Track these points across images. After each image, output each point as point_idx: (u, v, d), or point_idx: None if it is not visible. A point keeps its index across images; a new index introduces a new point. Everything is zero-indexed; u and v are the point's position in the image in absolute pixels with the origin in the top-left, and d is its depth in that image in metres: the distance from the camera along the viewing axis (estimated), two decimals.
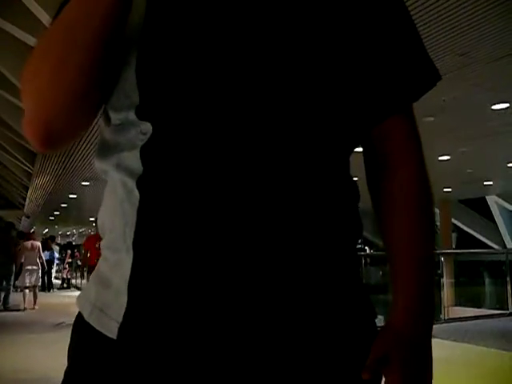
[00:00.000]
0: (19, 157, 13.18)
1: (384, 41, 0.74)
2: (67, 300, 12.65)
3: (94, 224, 31.19)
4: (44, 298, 13.28)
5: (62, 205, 19.73)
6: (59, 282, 18.17)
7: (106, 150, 0.75)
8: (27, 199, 18.93)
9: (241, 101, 0.66)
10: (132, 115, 0.70)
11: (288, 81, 0.67)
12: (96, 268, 0.78)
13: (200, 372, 0.65)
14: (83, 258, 9.72)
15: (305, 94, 0.67)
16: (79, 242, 45.72)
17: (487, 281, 12.96)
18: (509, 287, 8.91)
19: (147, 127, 0.69)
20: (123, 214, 0.71)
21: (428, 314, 0.76)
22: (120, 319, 0.68)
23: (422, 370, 0.73)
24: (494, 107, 7.35)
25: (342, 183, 0.73)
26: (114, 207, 0.73)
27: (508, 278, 8.97)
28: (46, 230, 36.36)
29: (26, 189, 17.06)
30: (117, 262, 0.72)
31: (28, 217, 24.92)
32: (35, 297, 11.18)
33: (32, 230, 23.98)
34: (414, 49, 0.78)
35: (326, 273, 0.69)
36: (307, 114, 0.68)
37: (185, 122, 0.67)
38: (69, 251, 18.67)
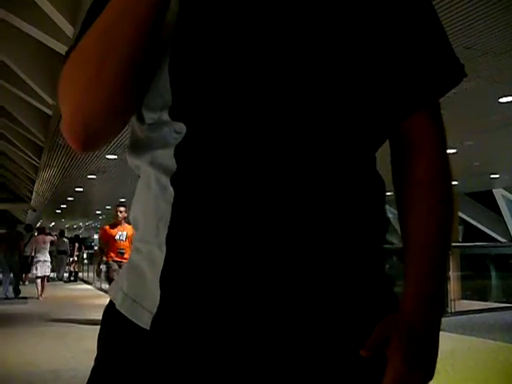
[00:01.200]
0: (26, 150, 13.25)
1: (411, 37, 0.75)
2: (75, 293, 12.72)
3: (100, 217, 31.31)
4: (52, 290, 13.36)
5: (69, 198, 19.80)
6: (66, 275, 18.23)
7: (138, 147, 0.76)
8: (34, 193, 19.02)
9: (271, 100, 0.67)
10: (165, 115, 0.70)
11: (315, 78, 0.68)
12: (129, 259, 0.80)
13: (229, 366, 0.67)
14: (98, 253, 8.86)
15: (331, 92, 0.68)
16: (86, 235, 45.99)
17: (494, 274, 12.93)
18: None
19: (181, 126, 0.70)
20: (157, 209, 0.72)
21: (438, 303, 0.77)
22: (154, 310, 0.70)
23: (425, 358, 0.73)
24: (502, 100, 7.32)
25: (368, 178, 0.74)
26: (148, 202, 0.74)
27: None
28: (53, 224, 36.53)
29: (33, 182, 17.14)
30: (149, 255, 0.73)
31: (34, 210, 25.04)
32: (43, 287, 11.93)
33: (39, 224, 24.02)
34: (440, 45, 0.78)
35: (350, 268, 0.71)
36: (334, 113, 0.69)
37: (217, 122, 0.68)
38: (76, 244, 18.71)
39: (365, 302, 0.72)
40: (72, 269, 18.10)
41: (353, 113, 0.70)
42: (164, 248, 0.71)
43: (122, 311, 0.74)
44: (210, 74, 0.68)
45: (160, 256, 0.71)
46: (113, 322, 0.77)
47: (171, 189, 0.70)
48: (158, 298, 0.70)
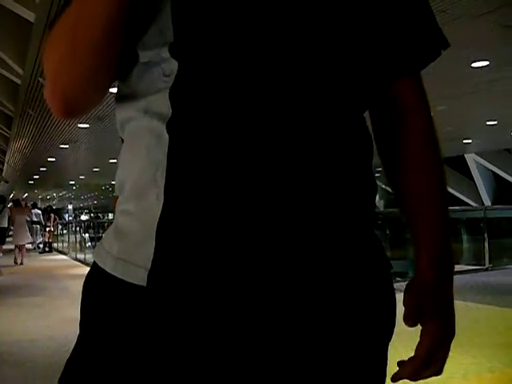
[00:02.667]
0: None
1: (400, 9, 0.79)
2: (51, 264, 12.65)
3: (73, 188, 31.00)
4: (27, 261, 13.29)
5: (41, 169, 19.55)
6: (41, 245, 18.11)
7: (129, 97, 0.75)
8: (5, 164, 18.71)
9: (268, 52, 0.67)
10: (165, 52, 0.70)
11: (310, 37, 0.69)
12: (114, 224, 0.79)
13: (231, 312, 0.67)
14: None
15: (323, 54, 0.70)
16: (60, 206, 45.54)
17: (465, 237, 13.19)
18: (486, 243, 9.10)
19: (171, 67, 0.69)
20: (152, 161, 0.72)
21: (451, 259, 0.81)
22: (148, 265, 0.69)
23: (451, 315, 0.79)
24: (474, 65, 7.36)
25: (358, 138, 0.75)
26: (141, 157, 0.73)
27: (485, 235, 9.15)
28: (26, 195, 36.08)
29: (4, 153, 16.84)
30: (142, 210, 0.73)
31: (7, 181, 24.69)
32: (22, 255, 13.43)
33: (12, 196, 23.70)
34: (426, 16, 0.83)
35: (342, 227, 0.72)
36: (326, 74, 0.70)
37: (216, 62, 0.68)
38: (52, 215, 18.52)
39: (357, 262, 0.73)
40: (47, 239, 17.98)
41: (346, 75, 0.72)
42: (162, 197, 0.70)
43: (116, 275, 0.73)
44: (212, 10, 0.68)
45: (157, 206, 0.70)
46: (101, 287, 0.76)
47: (167, 135, 0.70)
48: (152, 251, 0.69)
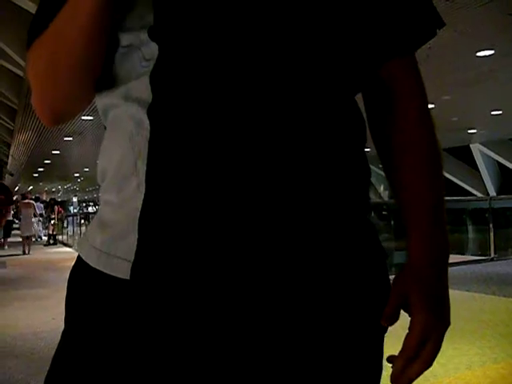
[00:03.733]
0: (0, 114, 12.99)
1: None
2: (56, 256, 12.68)
3: (78, 180, 31.03)
4: (32, 254, 13.34)
5: (46, 161, 19.57)
6: (45, 238, 18.15)
7: (109, 83, 0.74)
8: (10, 157, 18.75)
9: (253, 35, 0.64)
10: (144, 34, 0.69)
11: (292, 17, 0.65)
12: (97, 215, 0.78)
13: (216, 309, 0.63)
14: None
15: (310, 33, 0.66)
16: (65, 198, 45.59)
17: (470, 228, 13.16)
18: (491, 234, 9.07)
19: (151, 51, 0.68)
20: (133, 147, 0.71)
21: (445, 245, 0.77)
22: (131, 258, 0.67)
23: (443, 303, 0.75)
24: (479, 54, 7.32)
25: (349, 123, 0.71)
26: (122, 144, 0.72)
27: (490, 225, 9.13)
28: (31, 188, 36.15)
29: (9, 146, 16.86)
30: (123, 200, 0.72)
31: (12, 174, 24.73)
32: (29, 245, 14.17)
33: (17, 189, 23.77)
34: None
35: (335, 216, 0.68)
36: (315, 53, 0.66)
37: (196, 45, 0.65)
38: (56, 207, 18.57)
39: (351, 253, 0.70)
40: (51, 232, 18.02)
41: (335, 55, 0.68)
42: (143, 186, 0.68)
43: (99, 268, 0.72)
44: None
45: (139, 196, 0.68)
46: (84, 281, 0.74)
47: (147, 122, 0.68)
48: (135, 243, 0.67)
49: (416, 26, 0.77)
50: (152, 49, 0.68)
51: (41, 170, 23.20)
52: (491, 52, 7.24)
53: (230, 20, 0.64)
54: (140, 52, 0.70)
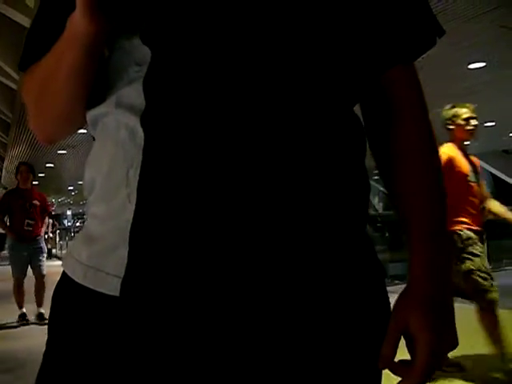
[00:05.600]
0: None
1: None
2: (51, 270, 12.55)
3: (72, 193, 30.86)
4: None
5: (40, 174, 19.48)
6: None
7: (100, 91, 0.73)
8: (3, 170, 18.66)
9: (246, 33, 0.62)
10: (136, 38, 0.68)
11: (289, 25, 0.63)
12: (83, 229, 0.76)
13: (209, 328, 0.61)
14: None
15: (308, 40, 0.64)
16: (59, 212, 45.29)
17: None
18: (485, 245, 9.07)
19: (143, 56, 0.66)
20: (125, 156, 0.69)
21: (449, 262, 0.73)
22: (121, 273, 0.64)
23: (448, 323, 0.70)
24: (471, 66, 7.36)
25: (348, 133, 0.69)
26: (113, 153, 0.70)
27: (484, 237, 9.13)
28: None
29: (2, 159, 16.80)
30: (112, 212, 0.70)
31: (5, 188, 24.61)
32: None
33: None
34: (420, 3, 0.77)
35: (333, 231, 0.65)
36: (314, 62, 0.64)
37: (189, 49, 0.62)
38: (50, 221, 18.37)
39: (349, 268, 0.67)
40: (48, 246, 17.84)
41: (334, 63, 0.66)
42: (134, 198, 0.65)
43: (85, 285, 0.69)
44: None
45: (129, 208, 0.66)
46: (70, 298, 0.72)
47: (141, 130, 0.65)
48: (125, 257, 0.64)
49: (417, 34, 0.75)
50: (144, 53, 0.66)
51: (35, 183, 23.08)
52: (483, 64, 7.28)
53: (226, 22, 0.62)
54: (131, 56, 0.69)
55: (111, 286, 0.67)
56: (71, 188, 27.65)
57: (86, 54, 0.68)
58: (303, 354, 0.64)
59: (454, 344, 0.71)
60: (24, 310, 5.91)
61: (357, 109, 0.76)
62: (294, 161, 0.62)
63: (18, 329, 5.68)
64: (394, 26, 0.73)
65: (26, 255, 5.84)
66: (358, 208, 0.70)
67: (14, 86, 8.99)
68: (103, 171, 0.72)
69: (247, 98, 0.60)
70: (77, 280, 0.72)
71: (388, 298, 0.72)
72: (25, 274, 5.94)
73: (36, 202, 6.01)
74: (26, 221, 5.82)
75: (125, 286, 0.64)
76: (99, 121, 0.75)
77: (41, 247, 6.12)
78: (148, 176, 0.64)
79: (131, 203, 0.66)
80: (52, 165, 16.52)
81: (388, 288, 0.73)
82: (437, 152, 0.77)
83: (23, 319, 5.84)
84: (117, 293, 0.65)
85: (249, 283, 0.61)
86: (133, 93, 0.68)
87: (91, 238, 0.72)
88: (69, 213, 46.02)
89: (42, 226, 6.10)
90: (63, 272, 0.75)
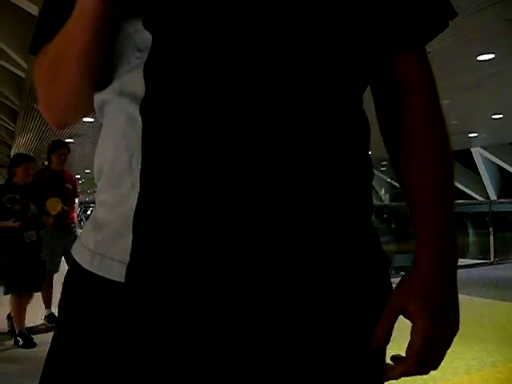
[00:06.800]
0: (0, 115, 12.98)
1: None
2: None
3: (80, 182, 30.92)
4: None
5: (46, 163, 19.53)
6: None
7: (104, 76, 0.74)
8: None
9: (249, 20, 0.61)
10: (138, 23, 0.68)
11: (294, 7, 0.62)
12: (92, 216, 0.77)
13: (214, 312, 0.62)
14: None
15: (313, 23, 0.63)
16: None
17: (471, 231, 13.14)
18: (491, 237, 9.06)
19: (145, 41, 0.67)
20: (127, 145, 0.70)
21: (454, 250, 0.72)
22: (126, 259, 0.66)
23: (449, 311, 0.70)
24: (479, 58, 7.31)
25: (355, 124, 0.69)
26: (116, 141, 0.72)
27: (491, 229, 9.11)
28: None
29: (10, 147, 16.85)
30: (118, 200, 0.71)
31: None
32: None
33: None
34: None
35: (335, 220, 0.65)
36: (320, 44, 0.63)
37: (191, 35, 0.62)
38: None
39: (353, 259, 0.67)
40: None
41: (341, 47, 0.65)
42: (138, 185, 0.66)
43: (92, 270, 0.71)
44: None
45: (133, 195, 0.67)
46: (78, 284, 0.73)
47: (140, 118, 0.66)
48: (130, 244, 0.65)
49: (429, 16, 0.73)
50: (145, 38, 0.67)
51: None
52: (492, 56, 7.23)
53: (228, 8, 0.61)
54: (133, 41, 0.69)
55: (117, 273, 0.68)
56: (78, 177, 27.72)
57: (94, 33, 0.69)
58: (307, 347, 0.64)
59: (454, 329, 0.69)
60: (52, 309, 5.04)
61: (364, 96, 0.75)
62: (297, 149, 0.62)
63: (49, 333, 5.51)
64: (405, 8, 0.71)
65: (62, 245, 4.94)
66: (361, 198, 0.70)
67: (21, 74, 9.00)
68: (108, 159, 0.74)
69: (248, 86, 0.60)
70: (83, 265, 0.73)
71: (392, 289, 0.72)
72: (59, 267, 5.07)
73: (68, 185, 5.32)
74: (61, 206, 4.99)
75: (130, 273, 0.65)
76: (104, 107, 0.76)
77: (76, 235, 5.07)
78: (149, 164, 0.65)
79: (136, 191, 0.67)
80: None
81: (393, 279, 0.73)
82: (446, 141, 0.75)
83: (53, 321, 4.89)
84: (122, 279, 0.66)
85: (252, 273, 0.61)
86: (135, 80, 0.68)
87: (98, 225, 0.73)
88: (76, 201, 46.14)
89: (74, 212, 5.45)
90: (73, 258, 0.77)
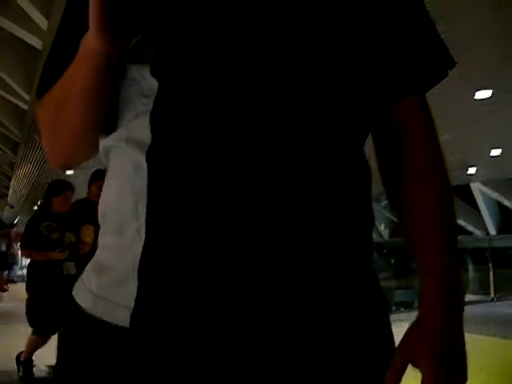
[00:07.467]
0: (1, 146, 13.04)
1: (402, 27, 0.73)
2: None
3: None
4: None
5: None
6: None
7: (110, 123, 0.74)
8: (10, 189, 18.75)
9: (253, 66, 0.63)
10: (146, 70, 0.68)
11: (297, 58, 0.64)
12: (94, 258, 0.76)
13: (219, 362, 0.62)
14: None
15: (321, 77, 0.65)
16: None
17: (470, 267, 13.10)
18: (491, 273, 9.02)
19: (151, 87, 0.67)
20: (133, 191, 0.69)
21: (460, 296, 0.72)
22: (131, 304, 0.65)
23: (458, 358, 0.70)
24: (477, 95, 7.38)
25: (356, 169, 0.70)
26: (122, 187, 0.71)
27: (490, 265, 9.08)
28: None
29: (9, 179, 16.89)
30: (122, 245, 0.70)
31: (12, 207, 24.70)
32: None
33: (16, 221, 23.76)
34: (430, 35, 0.77)
35: (336, 265, 0.66)
36: (319, 95, 0.65)
37: (197, 82, 0.63)
38: None
39: (353, 302, 0.68)
40: None
41: (342, 95, 0.67)
42: (143, 232, 0.66)
43: (94, 315, 0.69)
44: (196, 29, 0.65)
45: (138, 242, 0.66)
46: (79, 328, 0.72)
47: (145, 165, 0.66)
48: (135, 289, 0.65)
49: (429, 65, 0.75)
50: (152, 85, 0.67)
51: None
52: (490, 92, 7.30)
53: (235, 61, 0.63)
54: (140, 87, 0.69)
55: (120, 317, 0.67)
56: None
57: (99, 73, 0.69)
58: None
59: (463, 380, 0.70)
60: None
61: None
62: (300, 199, 0.63)
63: None
64: (406, 56, 0.73)
65: None
66: (362, 243, 0.70)
67: (23, 105, 9.07)
68: (112, 204, 0.74)
69: (253, 139, 0.62)
70: (85, 308, 0.72)
71: (392, 332, 0.72)
72: None
73: None
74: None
75: (134, 318, 0.65)
76: (110, 152, 0.76)
77: None
78: (154, 212, 0.65)
79: (141, 237, 0.67)
80: None
81: (393, 315, 0.72)
82: (447, 181, 0.76)
83: None
84: (126, 324, 0.65)
85: (253, 318, 0.62)
86: (141, 127, 0.68)
87: (102, 268, 0.73)
88: None
89: None
90: (72, 298, 0.75)
